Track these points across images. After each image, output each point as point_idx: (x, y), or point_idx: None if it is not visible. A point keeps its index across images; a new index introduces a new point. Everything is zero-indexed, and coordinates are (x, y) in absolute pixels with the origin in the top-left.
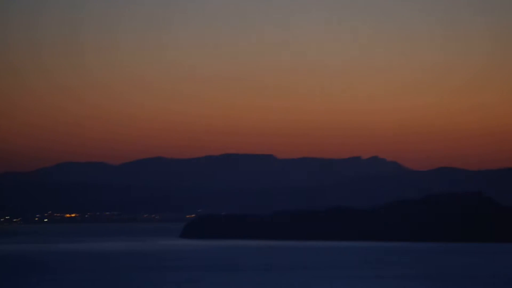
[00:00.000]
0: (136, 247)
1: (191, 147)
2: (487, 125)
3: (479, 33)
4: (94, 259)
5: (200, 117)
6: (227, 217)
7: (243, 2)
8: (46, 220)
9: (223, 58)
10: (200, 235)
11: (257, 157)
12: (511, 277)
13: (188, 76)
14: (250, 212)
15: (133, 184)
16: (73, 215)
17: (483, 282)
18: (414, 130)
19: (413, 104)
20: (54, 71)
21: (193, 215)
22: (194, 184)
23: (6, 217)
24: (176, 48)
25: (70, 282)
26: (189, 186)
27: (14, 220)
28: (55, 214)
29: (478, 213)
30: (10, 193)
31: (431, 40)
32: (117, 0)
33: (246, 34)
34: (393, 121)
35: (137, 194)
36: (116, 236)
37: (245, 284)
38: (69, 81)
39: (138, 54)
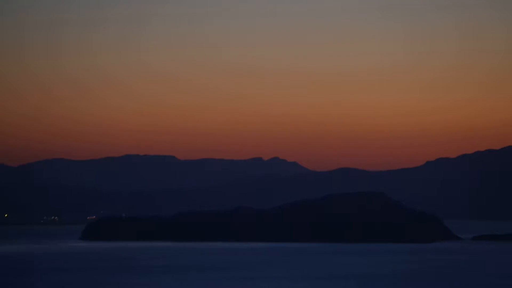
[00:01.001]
0: (26, 250)
1: (92, 148)
2: (387, 126)
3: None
4: None
5: (102, 118)
6: (127, 219)
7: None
8: None
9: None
10: (100, 237)
11: (158, 158)
12: (390, 276)
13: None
14: (152, 214)
15: (35, 185)
16: None
17: (359, 283)
18: (314, 131)
19: (312, 105)
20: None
21: (94, 217)
22: (96, 186)
23: None
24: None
25: None
26: (90, 187)
27: None
28: None
29: (378, 213)
30: None
31: (332, 45)
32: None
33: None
34: (293, 122)
35: (37, 196)
36: (15, 239)
37: (111, 285)
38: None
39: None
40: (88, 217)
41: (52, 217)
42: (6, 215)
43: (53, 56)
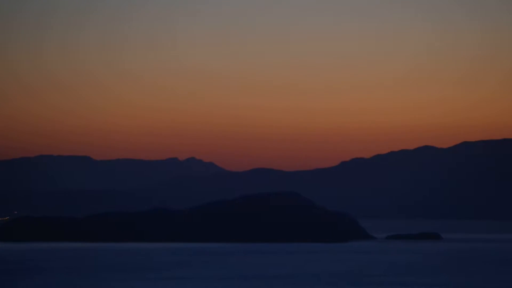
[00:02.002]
0: None
1: (7, 149)
2: (302, 127)
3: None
4: None
5: (14, 119)
6: (41, 219)
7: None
8: None
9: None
10: (14, 238)
11: (72, 158)
12: (299, 276)
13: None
14: (68, 214)
15: None
16: None
17: (269, 283)
18: (230, 131)
19: (229, 106)
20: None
21: (7, 218)
22: (9, 186)
23: None
24: None
25: None
26: (3, 188)
27: None
28: None
29: (292, 214)
30: None
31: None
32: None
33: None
34: (209, 122)
35: None
36: None
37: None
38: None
39: None
40: (0, 218)
41: None
42: None
43: None
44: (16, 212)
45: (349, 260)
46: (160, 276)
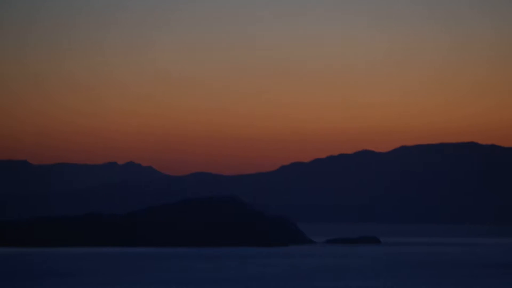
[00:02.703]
0: None
1: None
2: (241, 131)
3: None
4: None
5: None
6: None
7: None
8: None
9: None
10: None
11: (8, 163)
12: (233, 280)
13: None
14: (2, 219)
15: None
16: None
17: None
18: (169, 135)
19: (166, 108)
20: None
21: None
22: None
23: None
24: None
25: None
26: None
27: None
28: None
29: (231, 218)
30: None
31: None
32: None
33: None
34: (148, 125)
35: None
36: None
37: None
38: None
39: None
40: None
41: None
42: None
43: None
44: None
45: (284, 264)
46: (97, 281)
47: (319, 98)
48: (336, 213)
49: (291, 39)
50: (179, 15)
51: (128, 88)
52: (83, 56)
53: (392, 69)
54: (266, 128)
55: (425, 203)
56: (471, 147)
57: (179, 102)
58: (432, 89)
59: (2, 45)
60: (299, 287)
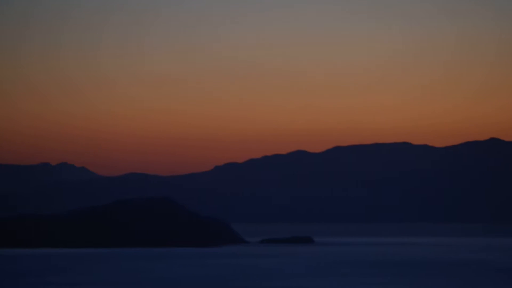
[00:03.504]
0: None
1: None
2: (176, 131)
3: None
4: None
5: None
6: None
7: None
8: None
9: None
10: None
11: None
12: (165, 280)
13: None
14: None
15: None
16: None
17: None
18: (102, 136)
19: (100, 109)
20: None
21: None
22: None
23: None
24: None
25: None
26: None
27: None
28: None
29: (164, 219)
30: None
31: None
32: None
33: None
34: (81, 126)
35: None
36: None
37: None
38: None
39: None
40: None
41: None
42: None
43: None
44: None
45: (218, 265)
46: (32, 281)
47: (254, 99)
48: (271, 213)
49: (230, 41)
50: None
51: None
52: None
53: (327, 71)
54: (200, 128)
55: (358, 203)
56: (404, 147)
57: (112, 102)
58: (367, 90)
59: None
60: (232, 287)
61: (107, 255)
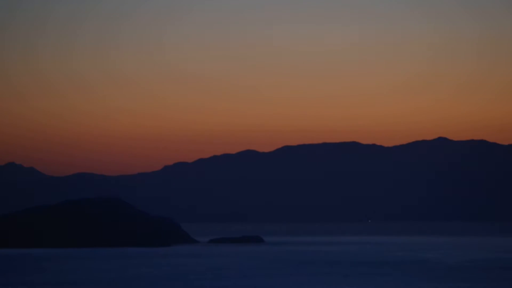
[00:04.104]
0: None
1: None
2: (123, 131)
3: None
4: None
5: None
6: None
7: None
8: None
9: None
10: None
11: None
12: (114, 281)
13: None
14: None
15: None
16: None
17: None
18: (50, 136)
19: (47, 109)
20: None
21: None
22: None
23: None
24: None
25: None
26: None
27: None
28: None
29: (113, 218)
30: None
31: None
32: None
33: None
34: (28, 127)
35: None
36: None
37: None
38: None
39: None
40: None
41: None
42: None
43: None
44: None
45: (166, 264)
46: None
47: (203, 99)
48: (221, 213)
49: (178, 44)
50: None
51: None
52: None
53: (278, 71)
54: (150, 128)
55: (308, 201)
56: (352, 146)
57: (61, 102)
58: (316, 90)
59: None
60: (180, 287)
61: (56, 255)
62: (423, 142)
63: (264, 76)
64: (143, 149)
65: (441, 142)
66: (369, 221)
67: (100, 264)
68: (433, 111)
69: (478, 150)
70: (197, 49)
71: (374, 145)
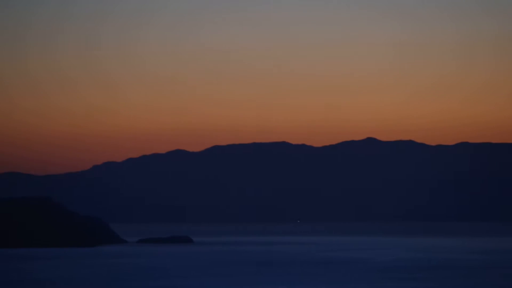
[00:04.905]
0: None
1: None
2: (51, 130)
3: None
4: None
5: None
6: None
7: None
8: None
9: None
10: None
11: None
12: (42, 282)
13: None
14: None
15: None
16: None
17: None
18: None
19: None
20: None
21: None
22: None
23: None
24: None
25: None
26: None
27: None
28: None
29: (42, 218)
30: None
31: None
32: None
33: None
34: None
35: None
36: None
37: None
38: None
39: None
40: None
41: None
42: None
43: None
44: None
45: (95, 265)
46: None
47: (134, 98)
48: (150, 213)
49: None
50: None
51: None
52: None
53: (200, 75)
54: (78, 128)
55: (243, 202)
56: (282, 146)
57: None
58: (245, 89)
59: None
60: (108, 287)
61: None
62: (351, 142)
63: (195, 75)
64: (72, 149)
65: (369, 142)
66: (298, 221)
67: (28, 265)
68: (362, 113)
69: (405, 150)
70: (118, 48)
71: (303, 145)
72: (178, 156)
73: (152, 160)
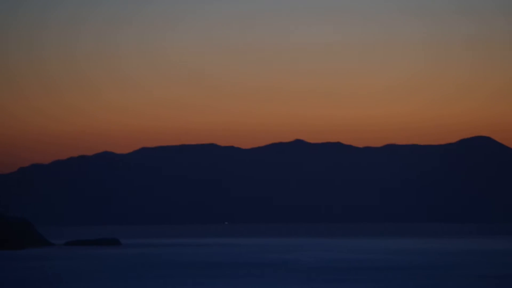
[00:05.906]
0: None
1: None
2: None
3: None
4: None
5: None
6: None
7: None
8: None
9: None
10: None
11: None
12: None
13: None
14: None
15: None
16: None
17: None
18: None
19: None
20: None
21: None
22: None
23: None
24: None
25: None
26: None
27: None
28: None
29: None
30: None
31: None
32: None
33: None
34: None
35: None
36: None
37: None
38: None
39: None
40: None
41: None
42: None
43: None
44: None
45: (19, 268)
46: None
47: (60, 99)
48: (77, 215)
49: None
50: None
51: None
52: None
53: (139, 73)
54: (5, 129)
55: (169, 202)
56: (210, 148)
57: None
58: (172, 90)
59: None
60: None
61: None
62: (280, 144)
63: (122, 77)
64: None
65: (298, 144)
66: (226, 223)
67: None
68: (289, 115)
69: (333, 151)
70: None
71: (232, 147)
72: (105, 158)
73: (79, 161)
